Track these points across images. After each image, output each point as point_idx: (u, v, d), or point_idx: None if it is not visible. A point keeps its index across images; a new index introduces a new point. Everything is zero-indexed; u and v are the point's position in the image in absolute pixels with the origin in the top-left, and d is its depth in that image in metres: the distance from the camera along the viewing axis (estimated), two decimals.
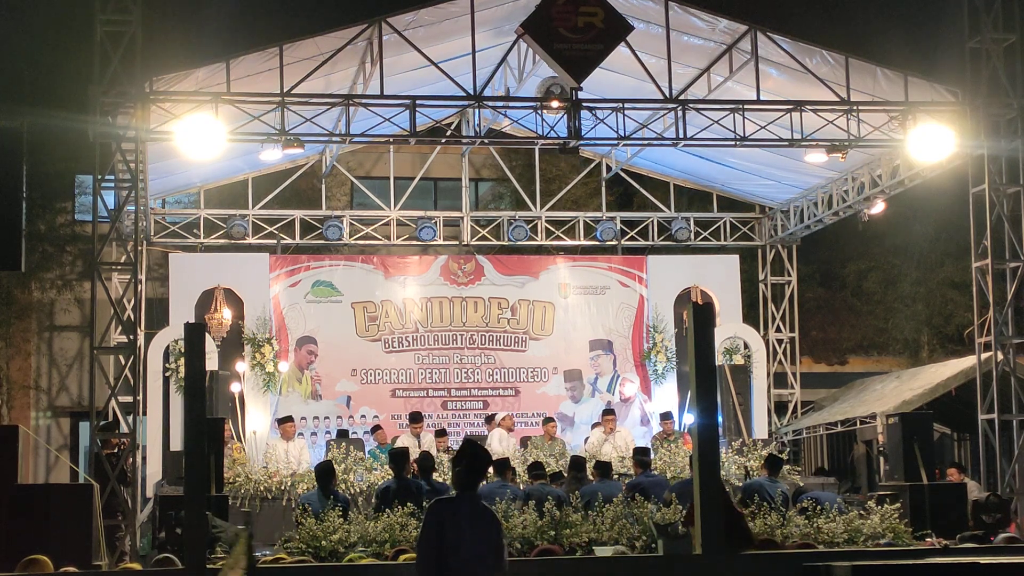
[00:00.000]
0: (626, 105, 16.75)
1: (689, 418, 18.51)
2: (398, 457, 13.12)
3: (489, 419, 18.89)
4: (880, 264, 26.01)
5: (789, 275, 22.83)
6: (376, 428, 18.48)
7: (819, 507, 13.24)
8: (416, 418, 17.97)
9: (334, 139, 17.29)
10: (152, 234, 20.77)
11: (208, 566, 9.17)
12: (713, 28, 17.00)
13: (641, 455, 15.10)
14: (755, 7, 18.71)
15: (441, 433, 18.02)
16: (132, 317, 16.79)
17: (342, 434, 18.60)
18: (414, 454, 14.73)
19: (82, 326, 21.88)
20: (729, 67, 17.29)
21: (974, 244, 17.30)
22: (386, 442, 17.64)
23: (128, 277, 17.59)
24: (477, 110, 17.34)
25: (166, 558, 11.01)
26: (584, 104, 16.16)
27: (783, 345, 22.67)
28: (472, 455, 7.06)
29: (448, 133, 20.07)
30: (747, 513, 12.87)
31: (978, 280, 17.30)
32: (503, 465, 14.21)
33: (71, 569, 10.20)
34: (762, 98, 16.72)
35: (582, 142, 16.90)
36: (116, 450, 15.24)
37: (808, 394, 23.12)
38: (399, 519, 11.73)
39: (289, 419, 18.02)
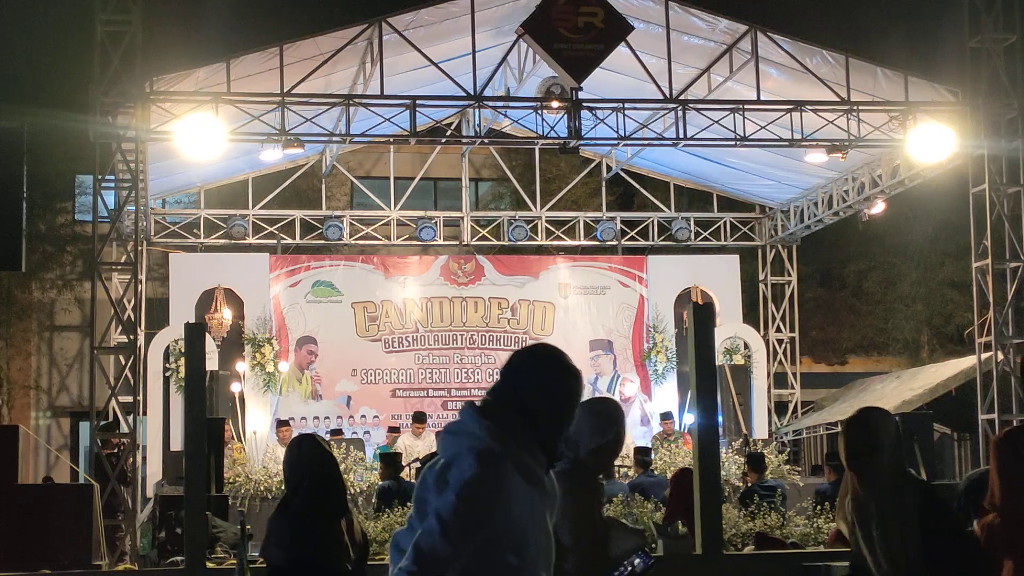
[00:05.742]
0: (626, 105, 16.74)
1: (689, 418, 18.49)
2: (390, 459, 13.17)
3: None
4: (880, 264, 25.99)
5: (789, 275, 22.81)
6: (393, 429, 18.43)
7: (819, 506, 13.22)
8: (420, 418, 17.93)
9: (334, 139, 17.29)
10: (152, 234, 20.76)
11: (208, 566, 9.17)
12: (713, 28, 17.00)
13: (642, 455, 15.07)
14: (755, 7, 18.70)
15: None
16: (132, 317, 16.78)
17: (335, 433, 18.53)
18: (415, 455, 14.73)
19: (82, 326, 21.88)
20: (729, 67, 17.29)
21: (974, 244, 17.28)
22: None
23: (128, 277, 17.58)
24: (477, 110, 17.33)
25: (172, 562, 11.02)
26: (584, 104, 16.14)
27: (783, 345, 22.65)
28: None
29: (448, 133, 20.03)
30: (747, 513, 12.88)
31: (978, 280, 17.28)
32: None
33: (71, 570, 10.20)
34: (762, 98, 16.71)
35: (582, 142, 16.89)
36: (116, 450, 15.24)
37: (808, 394, 23.10)
38: (399, 519, 11.73)
39: (287, 423, 18.01)
